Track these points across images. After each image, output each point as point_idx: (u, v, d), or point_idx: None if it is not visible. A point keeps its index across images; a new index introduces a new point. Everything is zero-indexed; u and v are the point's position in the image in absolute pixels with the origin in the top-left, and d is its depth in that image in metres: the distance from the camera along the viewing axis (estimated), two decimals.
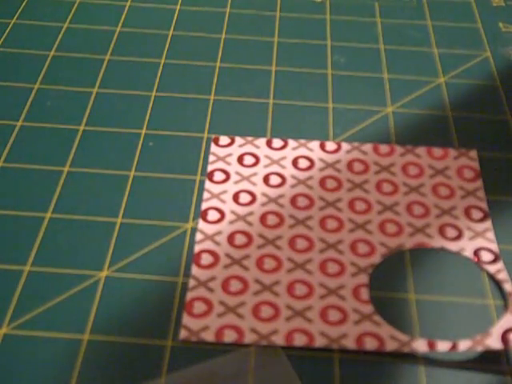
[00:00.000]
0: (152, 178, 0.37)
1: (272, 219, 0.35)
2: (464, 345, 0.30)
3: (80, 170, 0.38)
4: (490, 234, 0.35)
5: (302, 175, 0.37)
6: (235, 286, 0.32)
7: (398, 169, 0.38)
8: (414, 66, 0.45)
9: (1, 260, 0.33)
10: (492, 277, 0.33)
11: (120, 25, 0.47)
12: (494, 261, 0.34)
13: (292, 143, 0.39)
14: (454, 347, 0.30)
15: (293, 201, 0.36)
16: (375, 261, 0.34)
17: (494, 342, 0.30)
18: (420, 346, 0.30)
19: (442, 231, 0.35)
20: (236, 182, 0.37)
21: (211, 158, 0.38)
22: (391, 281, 0.33)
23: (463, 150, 0.39)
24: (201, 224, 0.35)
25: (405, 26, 0.48)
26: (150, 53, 0.45)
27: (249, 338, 0.30)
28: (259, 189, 0.37)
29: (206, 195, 0.36)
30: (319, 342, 0.30)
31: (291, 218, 0.35)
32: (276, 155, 0.39)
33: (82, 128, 0.40)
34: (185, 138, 0.40)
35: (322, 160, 0.38)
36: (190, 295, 0.32)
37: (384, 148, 0.39)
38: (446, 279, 0.33)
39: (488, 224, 0.35)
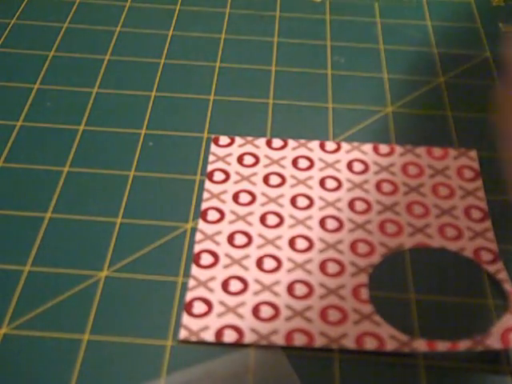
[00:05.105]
0: (152, 178, 0.37)
1: (272, 219, 0.35)
2: (464, 345, 0.30)
3: (80, 170, 0.38)
4: (490, 234, 0.35)
5: (302, 175, 0.37)
6: (235, 286, 0.32)
7: (398, 169, 0.38)
8: (413, 66, 0.45)
9: (1, 260, 0.33)
10: (492, 277, 0.33)
11: (120, 25, 0.47)
12: (494, 261, 0.34)
13: (292, 143, 0.39)
14: (453, 347, 0.30)
15: (293, 201, 0.36)
16: (375, 261, 0.34)
17: (494, 341, 0.30)
18: (420, 345, 0.30)
19: (441, 231, 0.35)
20: (236, 182, 0.37)
21: (211, 157, 0.38)
22: (391, 281, 0.33)
23: (463, 149, 0.39)
24: (201, 224, 0.35)
25: (405, 25, 0.48)
26: (150, 53, 0.45)
27: (249, 337, 0.30)
28: (259, 189, 0.37)
29: (205, 195, 0.36)
30: (319, 341, 0.30)
31: (291, 218, 0.35)
32: (276, 155, 0.39)
33: (81, 128, 0.40)
34: (185, 138, 0.40)
35: (321, 160, 0.38)
36: (189, 295, 0.32)
37: (384, 148, 0.39)
38: (446, 279, 0.33)
39: (488, 224, 0.35)
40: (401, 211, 0.36)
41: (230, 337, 0.30)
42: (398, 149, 0.39)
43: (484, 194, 0.37)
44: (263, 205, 0.36)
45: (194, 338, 0.30)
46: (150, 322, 0.31)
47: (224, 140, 0.39)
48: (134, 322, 0.31)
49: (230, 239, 0.34)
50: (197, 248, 0.34)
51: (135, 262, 0.34)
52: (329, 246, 0.34)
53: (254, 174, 0.37)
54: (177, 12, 0.49)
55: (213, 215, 0.35)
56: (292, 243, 0.34)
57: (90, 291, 0.32)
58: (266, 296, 0.32)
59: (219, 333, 0.31)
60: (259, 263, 0.33)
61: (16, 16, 0.48)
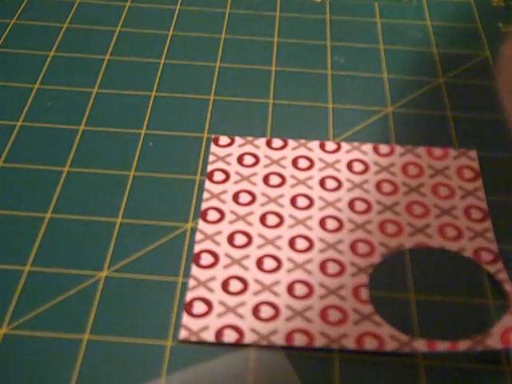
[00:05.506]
0: (152, 178, 0.37)
1: (272, 219, 0.35)
2: (464, 345, 0.30)
3: (80, 170, 0.38)
4: (490, 234, 0.35)
5: (301, 175, 0.37)
6: (235, 286, 0.32)
7: (398, 169, 0.38)
8: (413, 66, 0.45)
9: (1, 260, 0.33)
10: (492, 277, 0.33)
11: (120, 25, 0.47)
12: (494, 261, 0.34)
13: (292, 143, 0.39)
14: (453, 347, 0.30)
15: (293, 201, 0.36)
16: (375, 261, 0.34)
17: (494, 341, 0.30)
18: (420, 345, 0.30)
19: (441, 231, 0.35)
20: (236, 182, 0.37)
21: (211, 157, 0.38)
22: (391, 281, 0.33)
23: (463, 149, 0.39)
24: (201, 224, 0.35)
25: (405, 25, 0.48)
26: (150, 53, 0.45)
27: (249, 338, 0.30)
28: (259, 189, 0.37)
29: (205, 195, 0.36)
30: (319, 341, 0.30)
31: (291, 218, 0.35)
32: (276, 155, 0.39)
33: (81, 128, 0.40)
34: (185, 138, 0.40)
35: (321, 160, 0.38)
36: (189, 295, 0.32)
37: (384, 148, 0.39)
38: (446, 279, 0.33)
39: (488, 224, 0.35)
40: (401, 211, 0.36)
41: (229, 337, 0.30)
42: (398, 149, 0.39)
43: (484, 194, 0.37)
44: (263, 205, 0.36)
45: (194, 338, 0.30)
46: (150, 322, 0.31)
47: (224, 140, 0.39)
48: (134, 322, 0.31)
49: (230, 239, 0.34)
50: (197, 248, 0.34)
51: (135, 261, 0.34)
52: (329, 245, 0.34)
53: (254, 174, 0.37)
54: (177, 12, 0.49)
55: (213, 215, 0.35)
56: (292, 243, 0.34)
57: (90, 291, 0.32)
58: (266, 296, 0.32)
59: (219, 333, 0.31)
60: (259, 263, 0.33)
61: (16, 16, 0.48)
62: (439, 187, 0.37)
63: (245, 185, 0.37)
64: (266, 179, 0.37)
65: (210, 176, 0.37)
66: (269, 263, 0.33)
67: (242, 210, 0.36)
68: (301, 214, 0.36)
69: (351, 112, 0.42)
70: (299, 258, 0.34)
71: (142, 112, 0.41)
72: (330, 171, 0.38)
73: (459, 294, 0.33)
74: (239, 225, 0.35)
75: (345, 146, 0.39)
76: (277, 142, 0.39)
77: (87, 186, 0.37)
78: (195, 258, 0.33)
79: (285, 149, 0.39)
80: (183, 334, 0.31)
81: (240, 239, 0.34)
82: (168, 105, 0.42)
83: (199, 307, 0.32)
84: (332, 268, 0.33)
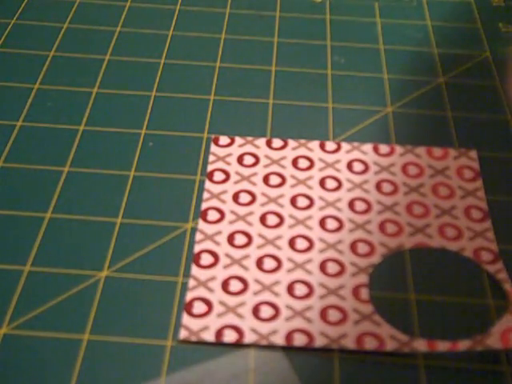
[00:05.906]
0: (152, 178, 0.37)
1: (272, 219, 0.35)
2: (464, 345, 0.30)
3: (80, 170, 0.38)
4: (490, 234, 0.35)
5: (301, 175, 0.38)
6: (235, 285, 0.32)
7: (398, 169, 0.38)
8: (413, 66, 0.45)
9: (1, 260, 0.33)
10: (492, 277, 0.33)
11: (120, 25, 0.47)
12: (494, 261, 0.34)
13: (292, 143, 0.39)
14: (453, 347, 0.30)
15: (293, 201, 0.36)
16: (375, 261, 0.34)
17: (494, 341, 0.30)
18: (420, 345, 0.30)
19: (441, 231, 0.35)
20: (236, 182, 0.37)
21: (211, 157, 0.38)
22: (391, 281, 0.33)
23: (463, 149, 0.39)
24: (201, 224, 0.35)
25: (405, 25, 0.48)
26: (150, 53, 0.45)
27: (249, 337, 0.30)
28: (259, 189, 0.37)
29: (205, 195, 0.36)
30: (319, 341, 0.30)
31: (291, 218, 0.35)
32: (276, 155, 0.39)
33: (81, 128, 0.40)
34: (185, 138, 0.40)
35: (321, 160, 0.38)
36: (189, 295, 0.32)
37: (384, 148, 0.39)
38: (446, 279, 0.33)
39: (488, 224, 0.35)
40: (401, 211, 0.36)
41: (229, 337, 0.30)
42: (398, 149, 0.39)
43: (484, 194, 0.37)
44: (263, 205, 0.36)
45: (194, 338, 0.30)
46: (150, 322, 0.31)
47: (224, 140, 0.39)
48: (134, 321, 0.31)
49: (230, 239, 0.34)
50: (197, 248, 0.34)
51: (135, 261, 0.34)
52: (329, 245, 0.34)
53: (254, 174, 0.37)
54: (177, 12, 0.49)
55: (213, 215, 0.35)
56: (292, 243, 0.34)
57: (90, 291, 0.32)
58: (266, 296, 0.32)
59: (219, 333, 0.31)
60: (259, 263, 0.33)
61: (16, 16, 0.48)
62: (439, 187, 0.37)
63: (245, 185, 0.37)
64: (266, 179, 0.37)
65: (210, 176, 0.37)
66: (269, 263, 0.33)
67: (242, 210, 0.36)
68: (301, 214, 0.36)
69: (351, 112, 0.42)
70: (299, 258, 0.34)
71: (142, 112, 0.41)
72: (330, 171, 0.38)
73: (459, 294, 0.33)
74: (239, 225, 0.35)
75: (345, 145, 0.39)
76: (277, 142, 0.39)
77: (87, 186, 0.37)
78: (195, 258, 0.34)
79: (285, 149, 0.39)
80: (183, 334, 0.31)
81: (240, 239, 0.34)
82: (168, 105, 0.42)
83: (199, 307, 0.32)
84: (332, 268, 0.33)
